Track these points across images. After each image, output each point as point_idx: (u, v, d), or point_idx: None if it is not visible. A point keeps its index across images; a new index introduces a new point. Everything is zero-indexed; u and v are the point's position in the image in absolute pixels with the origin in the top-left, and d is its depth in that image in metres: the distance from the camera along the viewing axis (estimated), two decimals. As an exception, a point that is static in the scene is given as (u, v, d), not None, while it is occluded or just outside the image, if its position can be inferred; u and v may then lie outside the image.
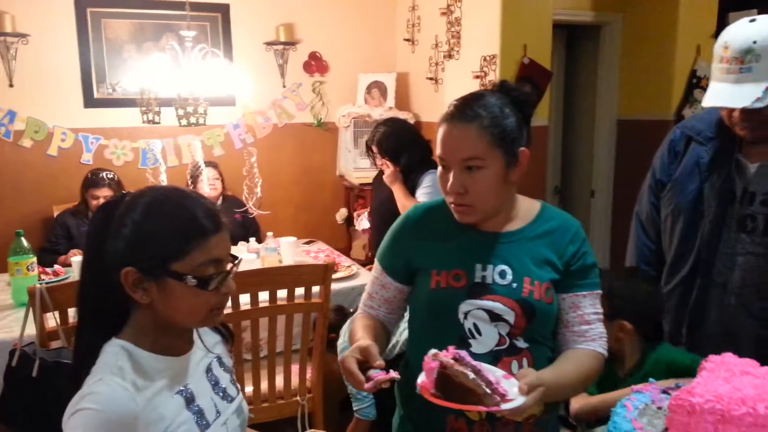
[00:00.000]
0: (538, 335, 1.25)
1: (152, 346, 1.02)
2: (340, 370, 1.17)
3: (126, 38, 3.76)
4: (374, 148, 2.94)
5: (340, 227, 4.30)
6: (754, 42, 1.42)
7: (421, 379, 1.11)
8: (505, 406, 1.04)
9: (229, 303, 2.15)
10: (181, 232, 0.99)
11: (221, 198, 3.60)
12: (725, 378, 0.94)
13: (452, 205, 1.25)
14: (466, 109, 1.20)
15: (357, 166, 4.04)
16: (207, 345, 1.14)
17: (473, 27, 3.51)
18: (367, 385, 1.10)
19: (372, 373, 1.12)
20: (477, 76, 3.43)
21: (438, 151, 1.24)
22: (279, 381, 2.34)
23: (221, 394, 1.10)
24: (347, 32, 4.21)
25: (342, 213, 4.27)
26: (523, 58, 3.33)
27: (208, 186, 3.53)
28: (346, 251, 3.89)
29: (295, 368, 2.36)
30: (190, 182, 3.20)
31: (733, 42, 1.46)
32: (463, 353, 1.09)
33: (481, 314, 1.22)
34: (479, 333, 1.22)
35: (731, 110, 1.53)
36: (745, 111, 1.48)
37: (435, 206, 1.36)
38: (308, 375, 2.40)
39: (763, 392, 0.90)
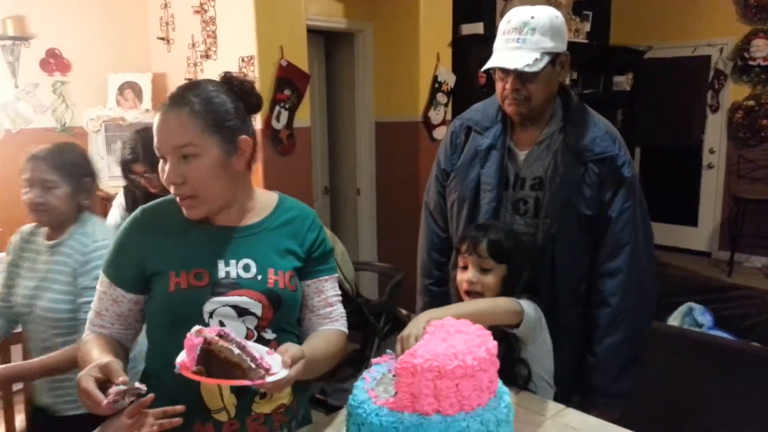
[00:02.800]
0: (285, 324, 1.27)
1: None
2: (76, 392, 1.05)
3: None
4: (140, 168, 2.28)
5: (97, 242, 3.92)
6: (532, 17, 1.60)
7: (181, 357, 1.05)
8: (270, 379, 1.04)
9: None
10: None
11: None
12: (443, 338, 1.05)
13: (179, 200, 1.21)
14: (177, 97, 1.18)
15: (112, 174, 3.71)
16: None
17: (229, 27, 3.46)
18: (104, 403, 1.00)
19: (113, 389, 1.02)
20: (236, 78, 3.38)
21: (154, 141, 1.19)
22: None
23: None
24: (91, 28, 3.84)
25: (99, 226, 3.89)
26: (281, 60, 3.37)
27: None
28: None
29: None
30: None
31: (514, 17, 1.63)
32: (228, 330, 1.07)
33: (227, 311, 1.20)
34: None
35: (504, 84, 1.65)
36: (515, 81, 1.62)
37: (161, 204, 1.30)
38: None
39: (472, 346, 1.02)
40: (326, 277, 1.34)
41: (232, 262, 1.23)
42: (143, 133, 2.37)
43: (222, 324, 1.20)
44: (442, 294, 1.89)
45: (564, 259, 1.67)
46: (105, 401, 1.00)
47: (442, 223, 1.89)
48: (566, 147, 1.66)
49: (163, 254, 1.22)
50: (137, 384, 1.03)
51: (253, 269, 1.23)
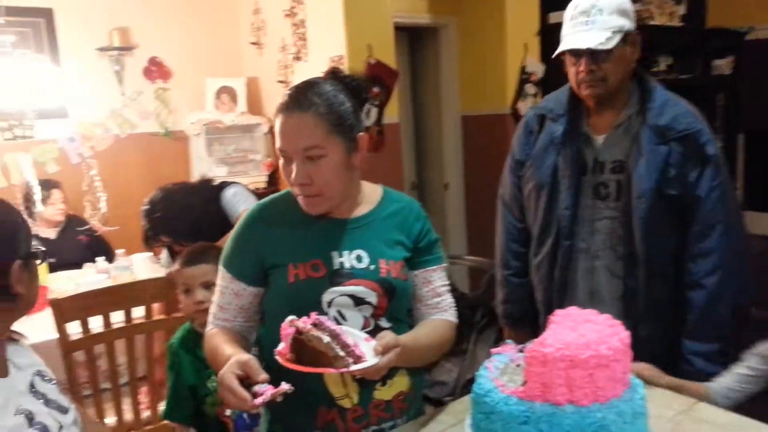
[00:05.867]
0: (398, 313, 1.29)
1: None
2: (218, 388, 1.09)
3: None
4: (165, 239, 2.46)
5: (198, 239, 4.12)
6: None
7: (281, 346, 1.09)
8: (354, 367, 1.06)
9: (79, 328, 1.99)
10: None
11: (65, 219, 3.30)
12: (571, 327, 1.03)
13: (300, 197, 1.24)
14: (300, 97, 1.19)
15: (213, 174, 3.90)
16: (20, 364, 1.08)
17: (318, 29, 3.54)
18: (256, 401, 1.04)
19: (259, 388, 1.06)
20: (327, 77, 3.46)
21: (278, 143, 1.22)
22: (146, 406, 2.18)
23: (56, 407, 1.06)
24: (188, 36, 4.04)
25: (200, 224, 4.09)
26: (369, 58, 3.41)
27: (54, 209, 3.24)
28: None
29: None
30: (23, 204, 2.87)
31: (581, 1, 1.65)
32: (324, 318, 1.10)
33: (345, 301, 1.23)
34: (344, 319, 1.23)
35: (578, 68, 1.66)
36: (589, 62, 1.63)
37: (277, 200, 1.35)
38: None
39: (604, 335, 0.99)
40: (434, 267, 1.34)
41: (345, 253, 1.25)
42: (149, 211, 2.46)
43: (340, 313, 1.23)
44: (522, 285, 1.92)
45: (654, 240, 1.64)
46: (257, 401, 1.03)
47: (518, 214, 1.91)
48: (648, 128, 1.64)
49: (281, 247, 1.26)
50: (285, 385, 1.06)
51: (366, 260, 1.26)
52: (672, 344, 1.67)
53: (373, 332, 1.24)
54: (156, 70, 3.96)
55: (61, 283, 2.66)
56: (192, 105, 4.01)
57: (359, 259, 1.26)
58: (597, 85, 1.65)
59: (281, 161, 1.23)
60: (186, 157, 4.03)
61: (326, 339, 1.06)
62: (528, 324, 1.94)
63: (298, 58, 3.70)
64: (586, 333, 1.00)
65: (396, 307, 1.28)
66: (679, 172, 1.62)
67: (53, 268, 3.03)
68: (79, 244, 3.31)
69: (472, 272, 4.07)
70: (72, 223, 3.35)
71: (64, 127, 3.64)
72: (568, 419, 0.94)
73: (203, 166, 3.90)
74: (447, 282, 1.37)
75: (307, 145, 1.18)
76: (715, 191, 1.61)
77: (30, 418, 0.99)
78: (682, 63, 5.26)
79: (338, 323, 1.22)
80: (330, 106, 1.19)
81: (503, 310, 2.01)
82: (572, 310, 1.11)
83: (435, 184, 4.57)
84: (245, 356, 1.11)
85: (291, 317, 1.10)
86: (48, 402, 1.04)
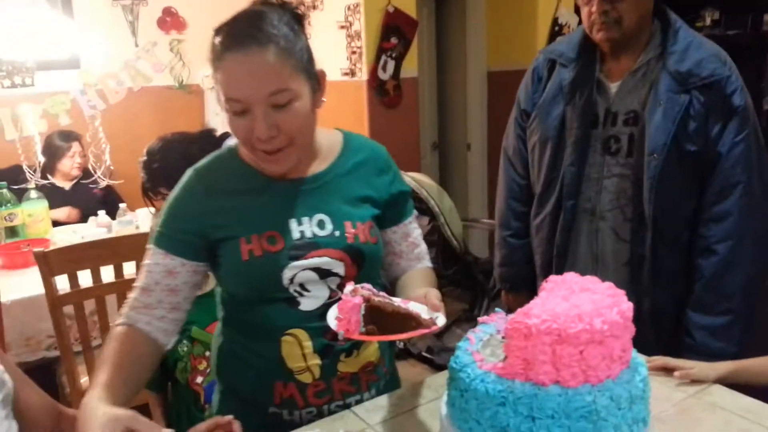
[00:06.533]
0: (368, 279, 1.13)
1: None
2: None
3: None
4: (164, 191, 2.12)
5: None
6: None
7: (334, 324, 0.96)
8: (439, 323, 0.98)
9: (67, 284, 1.92)
10: None
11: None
12: (564, 296, 0.88)
13: (261, 154, 1.02)
14: (252, 30, 0.97)
15: (227, 130, 3.79)
16: None
17: (335, -25, 3.36)
18: None
19: None
20: (342, 27, 3.30)
21: (228, 92, 0.98)
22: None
23: None
24: (204, -15, 3.90)
25: (214, 181, 4.02)
26: (388, 6, 3.23)
27: (73, 162, 3.21)
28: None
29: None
30: (24, 161, 2.81)
31: None
32: (366, 285, 1.00)
33: (308, 275, 1.08)
34: (307, 290, 1.09)
35: (590, 8, 1.49)
36: (601, 2, 1.46)
37: (217, 162, 1.14)
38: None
39: (601, 307, 0.85)
40: (410, 218, 1.24)
41: (305, 219, 1.09)
42: (148, 162, 2.13)
43: (304, 287, 1.09)
44: (522, 246, 1.79)
45: (665, 202, 1.47)
46: None
47: (521, 170, 1.76)
48: (667, 74, 1.45)
49: (228, 218, 1.08)
50: None
51: (329, 225, 1.09)
52: (681, 314, 1.52)
53: None
54: (170, 20, 3.84)
55: (66, 236, 2.61)
56: (207, 57, 3.88)
57: (321, 225, 1.09)
58: (611, 28, 1.47)
59: (229, 115, 1.00)
60: (200, 112, 3.94)
61: (395, 301, 0.98)
62: (528, 289, 1.81)
63: (314, 7, 3.53)
64: (580, 303, 0.85)
65: (366, 274, 1.12)
66: (699, 125, 1.43)
67: (64, 220, 3.01)
68: (94, 197, 3.28)
69: (492, 236, 3.92)
70: (88, 175, 3.32)
71: (76, 78, 3.57)
72: (551, 402, 0.81)
73: (217, 121, 3.79)
74: (419, 228, 1.28)
75: (274, 89, 0.96)
76: (738, 147, 1.42)
77: None
78: (729, 18, 4.89)
79: (300, 295, 1.10)
80: (287, 39, 0.99)
81: (500, 273, 1.88)
82: (569, 276, 0.96)
83: (457, 144, 4.39)
84: (124, 412, 0.87)
85: (352, 286, 0.98)
86: None
